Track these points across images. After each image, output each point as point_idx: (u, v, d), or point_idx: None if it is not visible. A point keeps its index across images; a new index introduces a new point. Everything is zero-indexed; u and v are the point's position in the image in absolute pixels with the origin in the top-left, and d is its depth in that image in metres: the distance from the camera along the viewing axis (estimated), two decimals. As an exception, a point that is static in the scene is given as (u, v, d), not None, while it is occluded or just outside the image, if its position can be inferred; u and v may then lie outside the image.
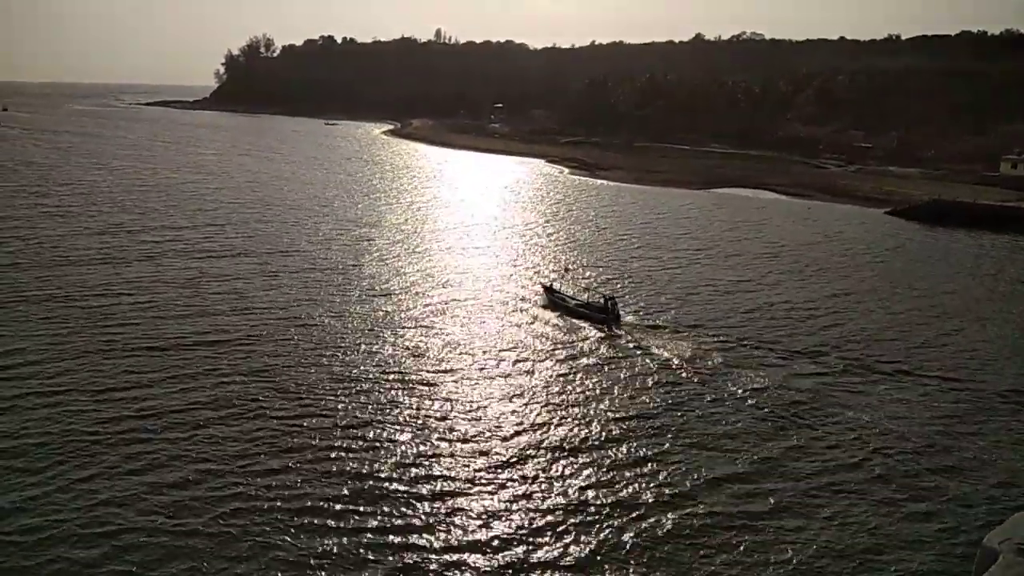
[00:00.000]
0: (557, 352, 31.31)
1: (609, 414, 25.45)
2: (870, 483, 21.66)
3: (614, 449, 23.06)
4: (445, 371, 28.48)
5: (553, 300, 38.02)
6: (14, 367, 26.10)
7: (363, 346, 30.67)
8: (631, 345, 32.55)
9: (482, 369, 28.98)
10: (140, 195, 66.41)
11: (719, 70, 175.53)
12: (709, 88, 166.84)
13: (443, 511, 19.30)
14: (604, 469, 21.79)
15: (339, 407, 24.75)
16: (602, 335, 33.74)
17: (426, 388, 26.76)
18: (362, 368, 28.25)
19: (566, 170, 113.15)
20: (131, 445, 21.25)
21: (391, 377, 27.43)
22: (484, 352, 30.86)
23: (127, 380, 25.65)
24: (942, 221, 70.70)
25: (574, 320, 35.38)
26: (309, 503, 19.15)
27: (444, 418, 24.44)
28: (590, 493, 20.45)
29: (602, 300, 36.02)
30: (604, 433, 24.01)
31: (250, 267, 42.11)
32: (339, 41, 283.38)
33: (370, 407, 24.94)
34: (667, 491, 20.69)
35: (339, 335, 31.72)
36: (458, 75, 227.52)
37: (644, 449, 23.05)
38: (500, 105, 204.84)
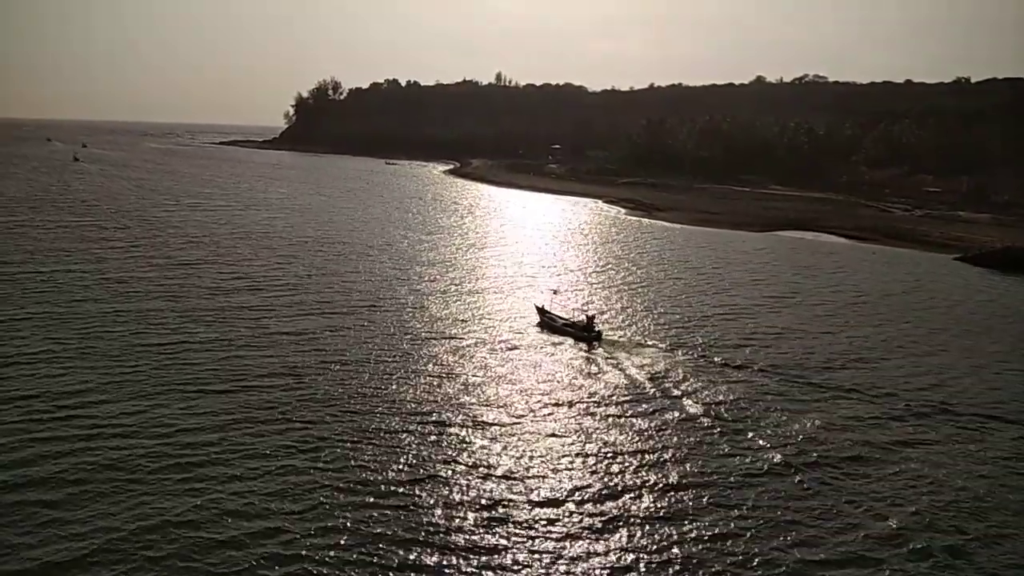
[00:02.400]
0: (539, 366, 34.40)
1: (555, 417, 28.37)
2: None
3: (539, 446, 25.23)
4: (441, 381, 30.56)
5: (544, 320, 41.26)
6: (76, 406, 26.45)
7: (396, 379, 31.10)
8: (605, 360, 35.49)
9: (468, 386, 31.17)
10: (210, 231, 68.89)
11: (781, 112, 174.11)
12: (770, 130, 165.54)
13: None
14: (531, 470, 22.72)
15: (364, 424, 25.26)
16: (582, 351, 36.76)
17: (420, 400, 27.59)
18: (396, 402, 28.72)
19: (623, 211, 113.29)
20: (197, 493, 21.37)
21: (425, 406, 28.04)
22: (479, 369, 33.34)
23: (186, 420, 25.93)
24: (1016, 269, 68.23)
25: (560, 337, 38.75)
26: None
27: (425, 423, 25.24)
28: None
29: (584, 319, 39.03)
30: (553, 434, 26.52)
31: (314, 308, 42.50)
32: (403, 84, 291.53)
33: (394, 435, 25.34)
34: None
35: (384, 369, 32.30)
36: (517, 116, 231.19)
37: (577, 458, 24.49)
38: (558, 146, 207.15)
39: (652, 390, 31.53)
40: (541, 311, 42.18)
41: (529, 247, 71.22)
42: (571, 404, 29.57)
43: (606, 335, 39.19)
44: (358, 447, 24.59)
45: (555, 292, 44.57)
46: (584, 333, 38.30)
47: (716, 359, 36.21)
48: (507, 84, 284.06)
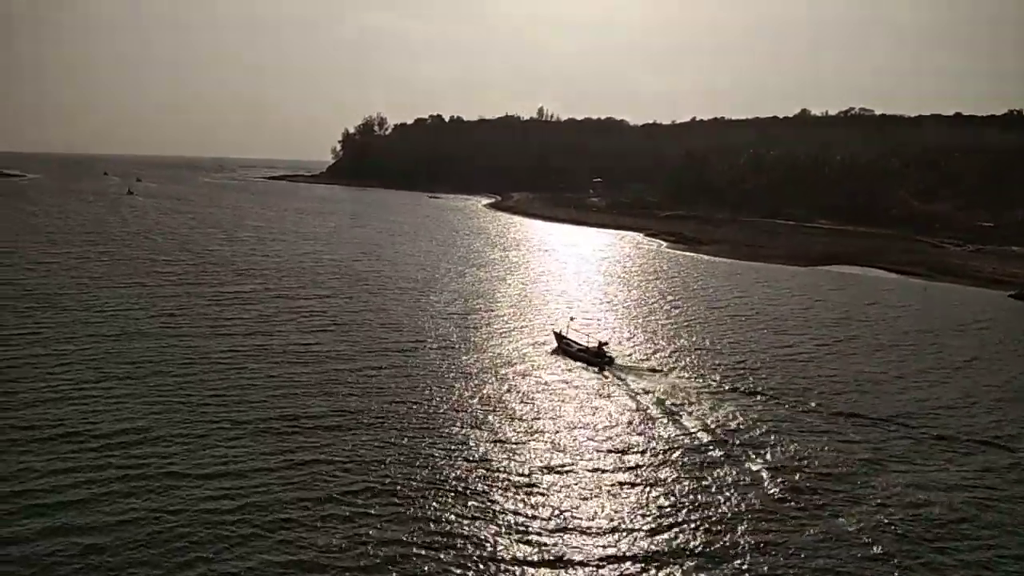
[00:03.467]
0: (557, 388, 36.35)
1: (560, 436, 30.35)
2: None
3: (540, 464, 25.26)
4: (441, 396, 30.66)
5: (561, 345, 43.18)
6: (125, 444, 26.60)
7: (439, 420, 31.09)
8: (616, 384, 37.26)
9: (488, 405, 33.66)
10: (260, 264, 70.15)
11: (826, 145, 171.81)
12: (815, 163, 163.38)
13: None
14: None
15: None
16: (593, 375, 38.58)
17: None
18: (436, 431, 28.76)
19: (664, 244, 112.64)
20: (244, 541, 21.21)
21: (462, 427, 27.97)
22: (503, 389, 35.71)
23: (234, 464, 25.89)
24: (1076, 306, 65.88)
25: (574, 362, 40.63)
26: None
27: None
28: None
29: (597, 345, 40.86)
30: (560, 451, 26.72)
31: (362, 345, 42.43)
32: (447, 120, 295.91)
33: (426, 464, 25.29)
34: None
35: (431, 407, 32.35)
36: (558, 150, 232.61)
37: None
38: (599, 179, 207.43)
39: (701, 427, 31.17)
40: (559, 337, 43.96)
41: (571, 281, 71.05)
42: (596, 441, 29.55)
43: (638, 365, 40.75)
44: (410, 495, 24.25)
45: (572, 319, 46.48)
46: (596, 359, 40.13)
47: (765, 393, 36.20)
48: (548, 119, 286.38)
